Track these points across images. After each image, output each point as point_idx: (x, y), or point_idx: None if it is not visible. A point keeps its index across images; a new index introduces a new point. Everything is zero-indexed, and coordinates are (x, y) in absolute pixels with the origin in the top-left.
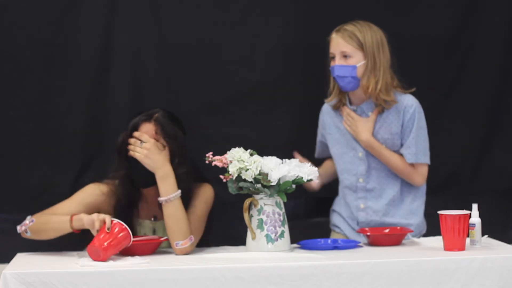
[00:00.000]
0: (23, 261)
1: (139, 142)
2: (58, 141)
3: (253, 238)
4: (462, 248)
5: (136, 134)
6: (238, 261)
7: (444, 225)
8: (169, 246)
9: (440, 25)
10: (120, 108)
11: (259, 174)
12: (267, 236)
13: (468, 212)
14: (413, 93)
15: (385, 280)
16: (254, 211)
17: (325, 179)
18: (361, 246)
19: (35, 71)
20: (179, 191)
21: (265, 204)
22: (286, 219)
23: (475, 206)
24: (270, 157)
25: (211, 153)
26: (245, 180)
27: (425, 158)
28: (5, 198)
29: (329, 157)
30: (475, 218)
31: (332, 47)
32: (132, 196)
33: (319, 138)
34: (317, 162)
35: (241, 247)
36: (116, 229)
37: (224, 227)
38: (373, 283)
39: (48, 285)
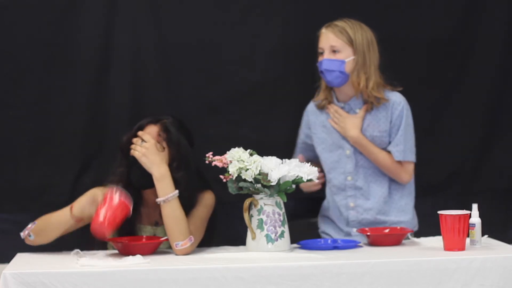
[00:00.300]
0: (23, 261)
1: (140, 141)
2: (58, 141)
3: (253, 238)
4: (462, 248)
5: (139, 133)
6: (238, 261)
7: (444, 225)
8: (169, 246)
9: (440, 25)
10: (120, 108)
11: (259, 174)
12: (267, 236)
13: (468, 212)
14: (413, 93)
15: (385, 280)
16: (254, 211)
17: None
18: (361, 246)
19: (35, 71)
20: (177, 191)
21: (265, 204)
22: (286, 219)
23: (475, 206)
24: (270, 157)
25: (211, 153)
26: (245, 180)
27: (412, 156)
28: (5, 198)
29: (311, 159)
30: (475, 218)
31: (321, 42)
32: (133, 199)
33: (301, 138)
34: None
35: (241, 247)
36: (114, 200)
37: (224, 227)
38: (373, 283)
39: (48, 285)
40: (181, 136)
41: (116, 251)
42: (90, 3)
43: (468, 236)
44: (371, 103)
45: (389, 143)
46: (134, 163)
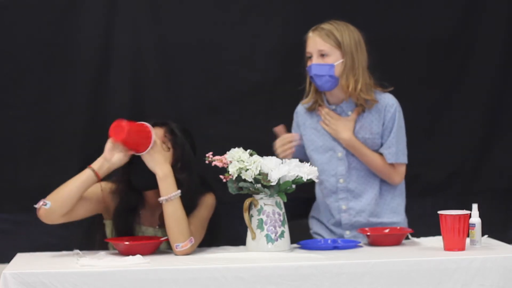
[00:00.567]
0: (23, 261)
1: None
2: (58, 141)
3: (253, 238)
4: (462, 248)
5: None
6: (238, 261)
7: (444, 225)
8: (169, 247)
9: (440, 25)
10: (120, 108)
11: (259, 174)
12: (267, 236)
13: (468, 212)
14: (413, 93)
15: (385, 280)
16: (254, 211)
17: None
18: (361, 246)
19: (35, 71)
20: (179, 191)
21: (265, 204)
22: (286, 219)
23: (475, 206)
24: (270, 157)
25: (211, 153)
26: (245, 180)
27: (404, 158)
28: (5, 198)
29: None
30: (475, 218)
31: (309, 46)
32: (134, 201)
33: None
34: None
35: (241, 247)
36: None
37: (224, 227)
38: (373, 283)
39: (48, 285)
40: (186, 141)
41: (116, 251)
42: (90, 3)
43: (468, 236)
44: (362, 106)
45: (381, 145)
46: (136, 164)
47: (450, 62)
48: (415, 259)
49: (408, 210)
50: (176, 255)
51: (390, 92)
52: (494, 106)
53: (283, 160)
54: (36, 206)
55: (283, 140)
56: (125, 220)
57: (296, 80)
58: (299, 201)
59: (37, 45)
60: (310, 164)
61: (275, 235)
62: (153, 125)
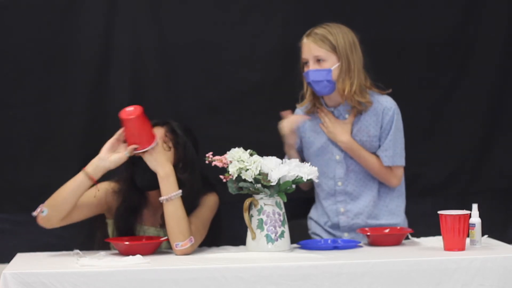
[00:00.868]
0: (23, 261)
1: None
2: (58, 141)
3: (253, 238)
4: (462, 248)
5: None
6: (238, 261)
7: (444, 225)
8: (169, 246)
9: (440, 25)
10: (120, 108)
11: (259, 174)
12: (267, 236)
13: (468, 212)
14: (413, 93)
15: (385, 280)
16: (254, 211)
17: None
18: (361, 246)
19: (35, 71)
20: (180, 190)
21: (265, 204)
22: (286, 219)
23: (475, 206)
24: (270, 157)
25: (211, 153)
26: (245, 180)
27: (401, 161)
28: (5, 198)
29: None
30: (475, 218)
31: (304, 52)
32: (136, 201)
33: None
34: None
35: (241, 247)
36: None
37: (224, 227)
38: (373, 283)
39: (48, 285)
40: (188, 140)
41: (116, 251)
42: (90, 3)
43: (468, 236)
44: (356, 108)
45: (379, 147)
46: (139, 164)
47: (450, 62)
48: (415, 259)
49: (408, 210)
50: (176, 254)
51: (388, 94)
52: (494, 106)
53: (283, 160)
54: (34, 214)
55: (290, 121)
56: (127, 220)
57: (296, 80)
58: (299, 201)
59: (37, 45)
60: (310, 165)
61: (275, 235)
62: (154, 125)
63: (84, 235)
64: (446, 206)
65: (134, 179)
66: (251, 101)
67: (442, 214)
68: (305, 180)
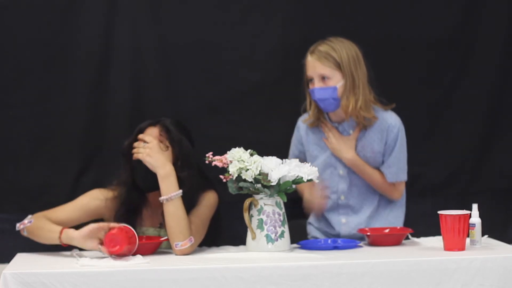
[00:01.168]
0: (23, 261)
1: (142, 143)
2: (58, 141)
3: (253, 238)
4: (462, 248)
5: (140, 136)
6: (238, 261)
7: (444, 225)
8: (169, 246)
9: (440, 25)
10: (120, 108)
11: (259, 174)
12: (267, 236)
13: (468, 212)
14: (413, 93)
15: (385, 280)
16: (254, 211)
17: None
18: (361, 246)
19: (35, 71)
20: (180, 190)
21: (265, 204)
22: (286, 219)
23: (475, 206)
24: (270, 157)
25: (211, 153)
26: (245, 180)
27: (404, 176)
28: (5, 198)
29: None
30: (475, 218)
31: (309, 70)
32: (136, 202)
33: (295, 154)
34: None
35: (241, 247)
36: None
37: (224, 227)
38: (373, 283)
39: (48, 285)
40: (182, 135)
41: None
42: (90, 3)
43: (468, 236)
44: (362, 124)
45: (382, 162)
46: (138, 166)
47: (450, 62)
48: (415, 259)
49: (408, 210)
50: (175, 254)
51: (391, 108)
52: (494, 106)
53: (283, 160)
54: (17, 225)
55: (318, 191)
56: (127, 222)
57: (296, 80)
58: (299, 201)
59: (37, 45)
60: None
61: (275, 235)
62: (148, 126)
63: None
64: (446, 206)
65: (136, 181)
66: (251, 101)
67: (442, 214)
68: (305, 180)
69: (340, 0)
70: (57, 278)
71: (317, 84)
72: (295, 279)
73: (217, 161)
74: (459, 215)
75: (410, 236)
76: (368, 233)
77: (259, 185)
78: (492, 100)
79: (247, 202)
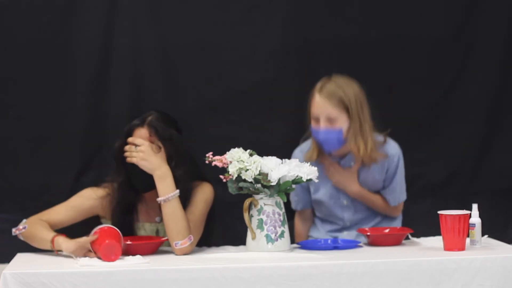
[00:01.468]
0: (23, 261)
1: (134, 147)
2: (58, 141)
3: (253, 238)
4: (462, 248)
5: (129, 139)
6: (238, 261)
7: (444, 225)
8: (169, 245)
9: (440, 25)
10: (120, 108)
11: (259, 174)
12: (267, 236)
13: (468, 212)
14: (413, 93)
15: (385, 280)
16: (254, 211)
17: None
18: (361, 246)
19: (35, 71)
20: (177, 191)
21: (265, 204)
22: (286, 219)
23: (475, 206)
24: (270, 157)
25: (211, 153)
26: (245, 180)
27: (404, 196)
28: (5, 198)
29: (305, 201)
30: (475, 218)
31: (316, 108)
32: (132, 200)
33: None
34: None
35: (241, 247)
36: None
37: (224, 227)
38: (373, 283)
39: (48, 285)
40: (170, 128)
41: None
42: (90, 3)
43: (468, 236)
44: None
45: (383, 187)
46: (133, 169)
47: (450, 62)
48: (415, 259)
49: (408, 210)
50: (175, 253)
51: (386, 132)
52: (494, 106)
53: (283, 160)
54: (13, 230)
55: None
56: (124, 220)
57: (296, 80)
58: None
59: (37, 45)
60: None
61: (275, 235)
62: (135, 127)
63: (84, 234)
64: (446, 206)
65: (133, 183)
66: (251, 101)
67: (442, 214)
68: (305, 180)
69: (340, 0)
70: (57, 278)
71: (323, 124)
72: (295, 279)
73: (217, 161)
74: (459, 215)
75: (410, 236)
76: (368, 233)
77: (259, 185)
78: (492, 100)
79: (247, 202)
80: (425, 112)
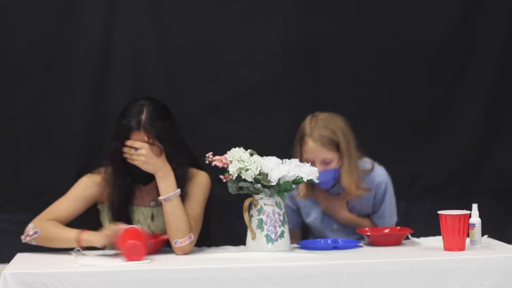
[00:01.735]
0: (23, 261)
1: (133, 149)
2: (58, 141)
3: (253, 238)
4: (462, 248)
5: (128, 143)
6: (238, 261)
7: (444, 225)
8: (169, 245)
9: (440, 25)
10: (120, 108)
11: (259, 174)
12: (267, 236)
13: (468, 212)
14: (413, 93)
15: (385, 280)
16: (254, 211)
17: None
18: (361, 246)
19: (35, 71)
20: (178, 190)
21: (265, 204)
22: (286, 219)
23: (475, 206)
24: (270, 157)
25: (211, 153)
26: (245, 180)
27: (395, 218)
28: (5, 198)
29: (296, 223)
30: (475, 218)
31: (309, 154)
32: (128, 187)
33: (289, 205)
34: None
35: (241, 247)
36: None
37: (224, 227)
38: (373, 283)
39: (48, 285)
40: (163, 120)
41: (116, 251)
42: (90, 3)
43: (468, 236)
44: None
45: (372, 211)
46: (134, 168)
47: (450, 62)
48: (415, 259)
49: (408, 210)
50: (175, 252)
51: (365, 155)
52: (494, 106)
53: (283, 160)
54: (22, 238)
55: None
56: (122, 207)
57: (296, 80)
58: None
59: (37, 45)
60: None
61: (275, 235)
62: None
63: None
64: (446, 206)
65: (134, 176)
66: (251, 101)
67: (442, 214)
68: (305, 180)
69: (340, 0)
70: (57, 278)
71: (319, 167)
72: (295, 279)
73: (217, 161)
74: (459, 215)
75: (410, 236)
76: (368, 233)
77: (259, 185)
78: (492, 100)
79: (247, 202)
80: (425, 112)
